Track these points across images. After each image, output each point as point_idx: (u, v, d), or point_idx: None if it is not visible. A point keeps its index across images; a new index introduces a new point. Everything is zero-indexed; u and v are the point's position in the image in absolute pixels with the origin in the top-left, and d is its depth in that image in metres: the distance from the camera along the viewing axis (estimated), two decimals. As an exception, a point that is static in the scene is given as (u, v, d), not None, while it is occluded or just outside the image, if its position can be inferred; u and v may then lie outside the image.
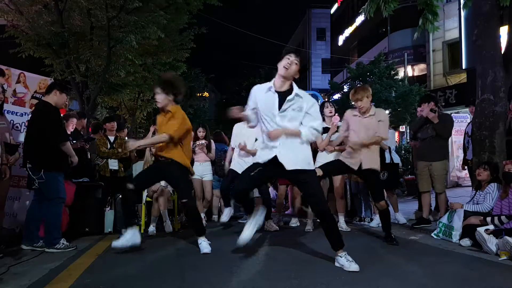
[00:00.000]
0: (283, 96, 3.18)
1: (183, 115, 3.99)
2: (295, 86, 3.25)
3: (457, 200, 5.13)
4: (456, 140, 9.47)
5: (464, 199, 4.92)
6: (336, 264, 3.16)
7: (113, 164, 5.62)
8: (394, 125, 12.91)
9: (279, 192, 6.27)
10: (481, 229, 3.70)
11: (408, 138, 15.39)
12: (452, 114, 7.64)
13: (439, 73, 16.96)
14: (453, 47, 15.89)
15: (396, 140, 12.80)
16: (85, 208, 4.99)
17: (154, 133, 5.23)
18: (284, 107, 3.16)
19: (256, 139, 4.89)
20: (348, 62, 22.67)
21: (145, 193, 5.54)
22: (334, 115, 5.20)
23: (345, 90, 17.37)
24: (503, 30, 5.21)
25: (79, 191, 4.97)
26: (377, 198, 4.19)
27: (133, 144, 3.94)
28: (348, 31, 26.00)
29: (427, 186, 5.12)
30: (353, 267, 3.02)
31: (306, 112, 3.19)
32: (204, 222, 5.90)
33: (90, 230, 4.95)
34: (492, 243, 3.57)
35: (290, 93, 3.18)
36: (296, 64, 3.19)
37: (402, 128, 16.74)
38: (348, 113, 4.43)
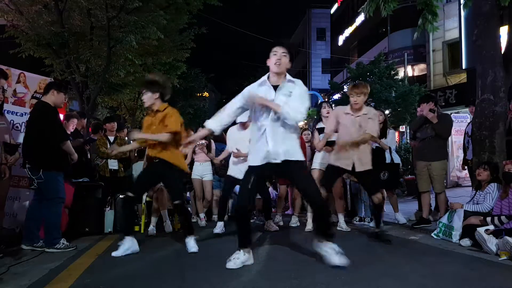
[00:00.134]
0: (275, 89, 3.22)
1: (177, 113, 4.00)
2: (288, 76, 3.27)
3: (457, 200, 5.13)
4: (456, 140, 9.48)
5: (464, 199, 4.92)
6: (323, 252, 3.17)
7: (113, 164, 5.62)
8: (394, 125, 12.95)
9: (279, 192, 6.28)
10: (481, 229, 3.70)
11: (408, 138, 15.39)
12: (452, 114, 7.66)
13: (439, 73, 16.96)
14: (453, 47, 15.89)
15: (396, 140, 12.79)
16: (85, 208, 4.99)
17: None
18: (276, 95, 3.18)
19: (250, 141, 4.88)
20: (348, 62, 22.66)
21: (145, 193, 5.54)
22: None
23: (345, 90, 17.36)
24: (503, 30, 5.22)
25: (79, 191, 4.97)
26: (372, 192, 4.24)
27: (137, 135, 3.97)
28: (348, 31, 25.99)
29: (426, 186, 5.12)
30: (342, 260, 3.04)
31: (294, 95, 3.20)
32: (204, 222, 5.93)
33: (90, 230, 4.96)
34: (492, 243, 3.57)
35: None
36: (285, 55, 3.19)
37: (402, 128, 16.74)
38: (340, 110, 4.43)
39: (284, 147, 3.18)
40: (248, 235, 3.32)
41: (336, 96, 18.31)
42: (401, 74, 16.85)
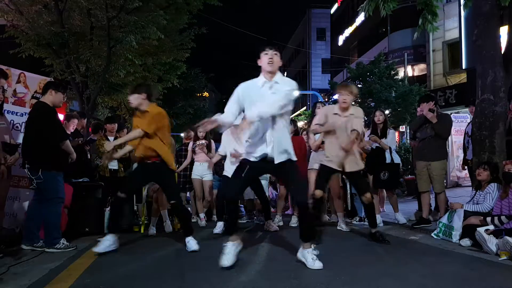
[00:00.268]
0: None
1: (158, 112, 4.03)
2: (278, 75, 3.27)
3: (457, 200, 5.13)
4: (456, 140, 9.48)
5: (464, 199, 4.92)
6: (299, 255, 3.20)
7: (113, 164, 5.62)
8: (394, 125, 12.93)
9: (279, 192, 6.28)
10: (481, 229, 3.70)
11: (408, 138, 15.38)
12: (452, 114, 7.66)
13: (439, 73, 16.96)
14: (453, 47, 15.89)
15: (396, 140, 12.80)
16: (85, 208, 4.99)
17: None
18: (267, 96, 3.17)
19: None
20: (348, 62, 22.66)
21: (145, 193, 5.54)
22: None
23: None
24: (503, 30, 5.22)
25: (79, 191, 4.97)
26: (362, 192, 4.27)
27: (109, 144, 4.00)
28: (348, 31, 25.99)
29: (426, 186, 5.12)
30: (317, 265, 3.05)
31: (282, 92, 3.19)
32: (204, 222, 5.93)
33: (90, 230, 4.95)
34: (492, 243, 3.57)
35: None
36: (277, 54, 3.22)
37: (402, 128, 16.73)
38: (329, 109, 4.46)
39: (281, 148, 3.21)
40: (234, 224, 3.35)
41: (336, 96, 18.30)
42: (401, 74, 16.85)
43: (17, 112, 5.00)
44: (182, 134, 8.95)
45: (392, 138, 5.61)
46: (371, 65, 15.92)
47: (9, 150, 4.11)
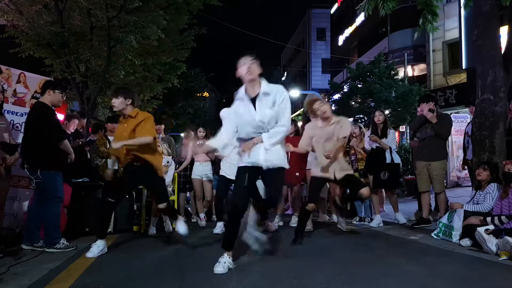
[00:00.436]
0: (253, 101, 3.18)
1: (150, 116, 4.09)
2: (262, 83, 3.22)
3: (457, 200, 5.13)
4: (456, 140, 9.48)
5: (464, 199, 4.92)
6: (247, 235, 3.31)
7: (113, 164, 5.61)
8: (394, 125, 12.94)
9: (279, 192, 6.27)
10: (481, 229, 3.70)
11: (408, 138, 15.38)
12: (452, 114, 7.65)
13: (439, 73, 16.96)
14: (453, 47, 15.89)
15: (396, 140, 12.80)
16: (85, 208, 4.99)
17: None
18: (258, 105, 3.15)
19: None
20: (348, 62, 22.66)
21: (145, 193, 5.54)
22: None
23: (345, 90, 17.37)
24: (503, 30, 5.22)
25: (79, 191, 4.97)
26: (357, 189, 4.27)
27: (117, 144, 3.85)
28: (348, 31, 25.99)
29: (426, 186, 5.12)
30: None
31: (278, 107, 3.17)
32: (204, 222, 5.93)
33: (90, 230, 4.95)
34: (492, 243, 3.57)
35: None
36: (254, 62, 3.16)
37: (402, 128, 16.73)
38: (310, 126, 4.44)
39: (275, 157, 3.20)
40: (235, 238, 3.27)
41: (336, 96, 18.30)
42: (401, 74, 16.85)
43: (17, 112, 4.99)
44: (182, 134, 8.95)
45: (392, 138, 5.60)
46: (371, 65, 15.92)
47: (9, 150, 4.11)
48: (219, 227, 5.06)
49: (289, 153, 4.64)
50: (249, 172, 3.24)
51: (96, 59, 9.43)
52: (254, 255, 3.63)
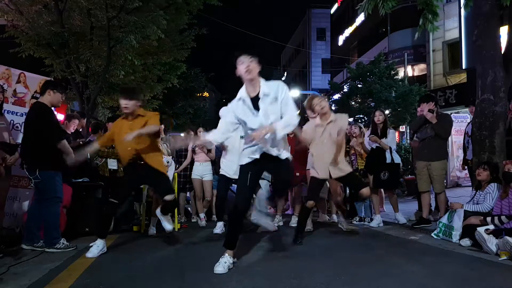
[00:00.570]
0: (255, 101, 3.18)
1: (157, 115, 4.21)
2: (262, 83, 3.20)
3: (457, 200, 5.13)
4: (456, 140, 9.48)
5: (464, 199, 4.92)
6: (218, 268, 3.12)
7: (112, 164, 5.62)
8: (394, 125, 12.93)
9: (279, 192, 6.27)
10: (481, 229, 3.70)
11: (408, 138, 15.38)
12: (452, 114, 7.65)
13: (439, 73, 16.97)
14: (453, 47, 15.89)
15: (396, 140, 12.80)
16: (85, 208, 4.99)
17: None
18: (261, 107, 3.15)
19: (241, 137, 4.83)
20: (348, 62, 22.67)
21: (145, 193, 5.54)
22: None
23: (345, 90, 17.37)
24: (503, 30, 5.21)
25: (79, 191, 4.97)
26: (358, 189, 4.29)
27: (131, 136, 3.78)
28: (348, 31, 26.00)
29: (426, 186, 5.12)
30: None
31: (281, 102, 3.18)
32: (204, 222, 5.93)
33: (90, 230, 4.95)
34: (492, 243, 3.56)
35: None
36: (253, 61, 3.14)
37: (402, 128, 16.74)
38: (309, 126, 4.45)
39: (275, 145, 3.23)
40: (237, 237, 3.28)
41: (336, 96, 18.31)
42: (401, 74, 16.86)
43: (17, 112, 5.00)
44: (182, 134, 8.95)
45: (392, 138, 5.60)
46: (371, 65, 15.93)
47: (9, 150, 4.11)
48: (219, 227, 5.06)
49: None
50: (251, 171, 3.24)
51: (96, 59, 9.43)
52: (254, 255, 3.64)
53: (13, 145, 4.19)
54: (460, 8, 13.44)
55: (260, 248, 4.00)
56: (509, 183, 3.93)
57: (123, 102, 3.94)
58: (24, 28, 8.94)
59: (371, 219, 5.61)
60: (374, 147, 5.54)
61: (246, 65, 3.11)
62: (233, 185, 5.45)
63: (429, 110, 4.99)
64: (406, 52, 17.71)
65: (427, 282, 2.76)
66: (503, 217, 3.75)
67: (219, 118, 4.19)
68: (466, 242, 3.94)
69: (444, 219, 4.39)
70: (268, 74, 22.87)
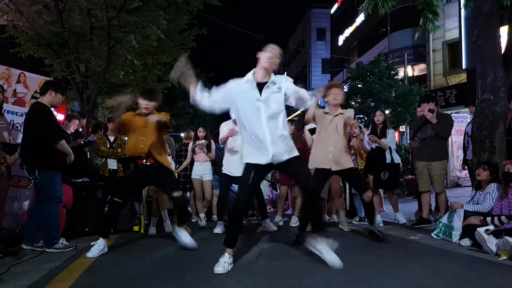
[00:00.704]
0: (260, 87, 3.22)
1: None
2: (272, 75, 3.28)
3: (457, 200, 5.12)
4: (456, 140, 9.48)
5: (464, 199, 4.92)
6: (313, 249, 3.20)
7: (112, 164, 5.62)
8: (394, 125, 12.93)
9: (280, 192, 6.28)
10: (481, 229, 3.70)
11: (408, 138, 15.38)
12: (452, 114, 7.65)
13: (439, 73, 16.97)
14: (453, 47, 15.90)
15: (396, 140, 12.80)
16: (85, 208, 4.99)
17: None
18: (264, 94, 3.19)
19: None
20: (348, 62, 22.67)
21: (145, 193, 5.54)
22: None
23: (345, 90, 17.37)
24: (503, 30, 5.21)
25: (79, 191, 4.97)
26: (362, 190, 4.28)
27: (155, 117, 3.95)
28: (348, 31, 25.99)
29: (427, 186, 5.11)
30: (335, 261, 3.07)
31: (285, 92, 3.25)
32: (204, 222, 5.93)
33: (90, 230, 4.95)
34: (492, 243, 3.57)
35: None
36: (279, 58, 3.24)
37: (402, 128, 16.73)
38: (319, 112, 4.46)
39: (284, 148, 3.21)
40: (237, 237, 3.29)
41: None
42: (401, 74, 16.86)
43: (17, 112, 5.00)
44: (182, 134, 8.95)
45: (392, 138, 5.60)
46: (371, 65, 15.93)
47: (9, 150, 4.11)
48: (219, 227, 5.06)
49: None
50: (255, 171, 3.23)
51: (96, 59, 9.44)
52: (254, 255, 3.64)
53: (13, 145, 4.19)
54: (460, 8, 13.44)
55: (260, 248, 4.00)
56: (509, 183, 3.94)
57: (144, 103, 4.07)
58: (24, 28, 8.94)
59: (371, 219, 5.60)
60: (374, 147, 5.55)
61: (271, 55, 3.19)
62: (233, 185, 5.46)
63: (429, 110, 4.99)
64: (406, 52, 17.71)
65: (427, 282, 2.76)
66: (503, 217, 3.75)
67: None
68: (466, 242, 3.94)
69: (444, 219, 4.39)
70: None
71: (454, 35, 15.34)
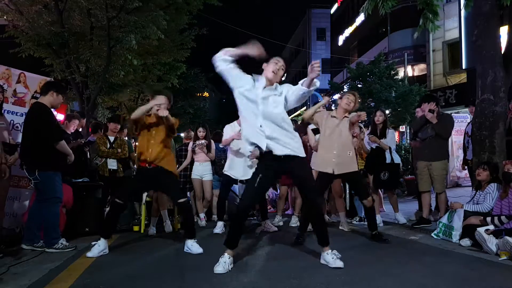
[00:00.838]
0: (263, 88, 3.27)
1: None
2: (275, 84, 3.34)
3: (457, 200, 5.12)
4: (456, 140, 9.47)
5: (464, 199, 4.92)
6: (322, 261, 3.23)
7: (112, 164, 5.62)
8: (394, 125, 12.93)
9: (280, 192, 6.28)
10: (481, 229, 3.70)
11: (408, 138, 15.38)
12: (452, 114, 7.65)
13: (439, 73, 16.97)
14: (453, 47, 15.89)
15: (396, 140, 12.80)
16: (85, 208, 4.99)
17: None
18: (264, 94, 3.22)
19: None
20: (348, 62, 22.67)
21: (145, 193, 5.54)
22: None
23: (345, 90, 17.37)
24: (503, 30, 5.21)
25: (79, 191, 4.97)
26: (363, 196, 4.28)
27: (165, 112, 3.89)
28: (348, 31, 25.99)
29: (427, 186, 5.11)
30: (338, 263, 3.10)
31: (285, 96, 3.28)
32: (204, 222, 5.93)
33: (90, 230, 4.95)
34: (492, 243, 3.57)
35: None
36: (283, 70, 3.31)
37: (402, 128, 16.74)
38: (326, 114, 4.46)
39: (284, 142, 3.21)
40: (238, 237, 3.28)
41: (336, 96, 18.30)
42: (401, 74, 16.86)
43: (17, 112, 5.00)
44: (182, 134, 8.95)
45: (392, 138, 5.60)
46: (371, 65, 15.93)
47: (9, 150, 4.11)
48: (219, 227, 5.05)
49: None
50: (263, 174, 3.24)
51: (96, 59, 9.45)
52: (254, 255, 3.64)
53: (13, 145, 4.19)
54: (460, 8, 13.44)
55: (260, 248, 4.00)
56: (509, 183, 3.94)
57: (160, 102, 4.05)
58: (24, 28, 8.95)
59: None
60: (374, 147, 5.54)
61: (278, 67, 3.26)
62: (233, 185, 5.45)
63: (430, 110, 4.99)
64: (406, 52, 17.71)
65: (427, 282, 2.76)
66: (503, 217, 3.75)
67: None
68: (466, 242, 3.94)
69: (444, 219, 4.39)
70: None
71: (454, 35, 15.34)
